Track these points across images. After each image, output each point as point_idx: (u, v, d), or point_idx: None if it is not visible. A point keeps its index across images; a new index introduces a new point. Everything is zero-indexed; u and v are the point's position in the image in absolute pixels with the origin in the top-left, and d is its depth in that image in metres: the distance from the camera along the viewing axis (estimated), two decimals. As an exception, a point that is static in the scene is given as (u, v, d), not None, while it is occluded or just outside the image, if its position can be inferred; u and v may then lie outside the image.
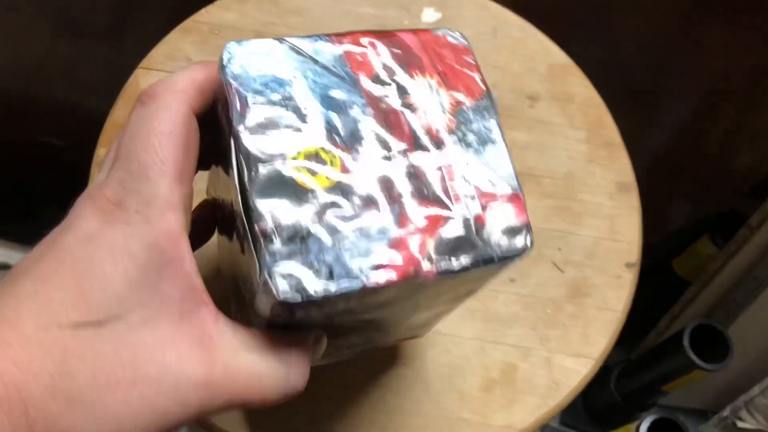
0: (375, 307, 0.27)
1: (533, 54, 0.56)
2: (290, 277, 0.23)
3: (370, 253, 0.24)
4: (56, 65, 0.94)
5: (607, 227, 0.51)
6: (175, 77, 0.25)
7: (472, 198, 0.27)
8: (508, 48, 0.56)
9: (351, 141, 0.26)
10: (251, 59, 0.26)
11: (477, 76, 0.29)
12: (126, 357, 0.21)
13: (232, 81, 0.26)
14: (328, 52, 0.28)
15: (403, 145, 0.27)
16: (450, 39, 0.30)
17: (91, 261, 0.22)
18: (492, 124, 0.29)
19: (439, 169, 0.27)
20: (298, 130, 0.25)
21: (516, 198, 0.28)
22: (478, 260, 0.26)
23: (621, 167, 0.53)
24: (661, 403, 1.13)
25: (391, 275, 0.24)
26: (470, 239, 0.26)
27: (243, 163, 0.24)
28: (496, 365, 0.46)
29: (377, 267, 0.24)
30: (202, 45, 0.54)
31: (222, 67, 0.26)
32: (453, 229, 0.26)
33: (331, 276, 0.24)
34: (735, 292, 1.01)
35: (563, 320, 0.47)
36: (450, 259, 0.26)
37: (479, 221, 0.27)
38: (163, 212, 0.23)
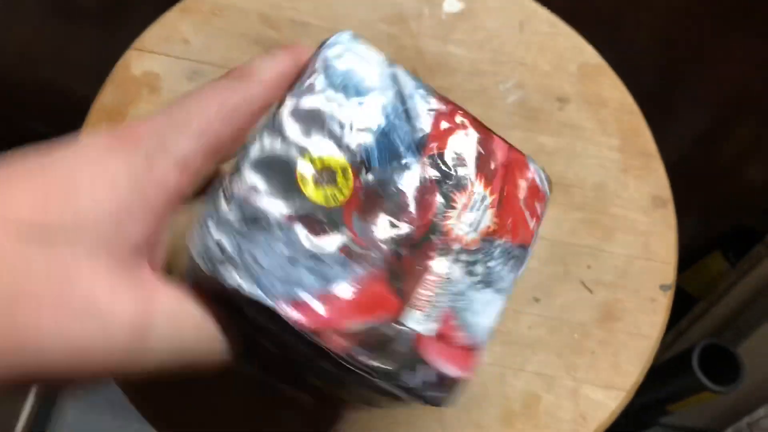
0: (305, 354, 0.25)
1: (563, 52, 0.52)
2: (218, 246, 0.22)
3: (301, 288, 0.22)
4: (44, 47, 0.89)
5: (641, 245, 0.46)
6: (267, 64, 0.25)
7: (434, 320, 0.24)
8: (535, 44, 0.52)
9: (372, 187, 0.25)
10: (351, 56, 0.26)
11: (532, 225, 0.27)
12: (54, 278, 0.19)
13: (320, 60, 0.25)
14: (421, 101, 0.26)
15: (412, 228, 0.25)
16: (536, 176, 0.28)
17: (73, 177, 0.20)
18: (510, 277, 0.27)
19: (426, 269, 0.25)
20: (336, 139, 0.24)
21: (471, 352, 0.25)
22: (390, 375, 0.23)
23: (657, 180, 0.48)
24: (662, 422, 1.09)
25: (301, 319, 0.22)
26: (398, 352, 0.23)
27: (270, 124, 0.24)
28: (518, 395, 0.41)
29: (297, 303, 0.22)
30: (202, 26, 0.49)
31: (323, 44, 0.25)
32: (391, 330, 0.24)
33: (251, 278, 0.22)
34: (746, 312, 0.97)
35: (592, 347, 0.43)
36: (365, 351, 0.23)
37: (419, 346, 0.24)
38: (172, 167, 0.21)
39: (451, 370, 0.24)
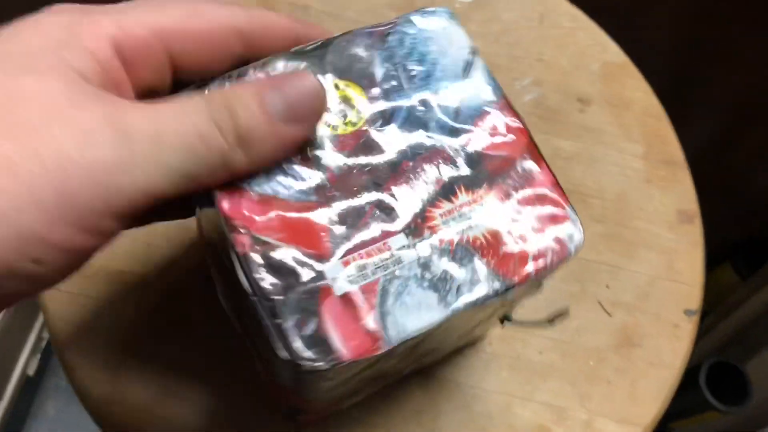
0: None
1: (585, 49, 0.48)
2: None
3: (252, 185, 0.23)
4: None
5: (665, 264, 0.42)
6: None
7: (353, 283, 0.22)
8: (555, 39, 0.47)
9: (376, 139, 0.25)
10: (436, 28, 0.27)
11: (531, 268, 0.24)
12: (13, 99, 0.18)
13: (405, 20, 0.27)
14: (481, 97, 0.26)
15: (392, 195, 0.24)
16: (565, 235, 0.24)
17: (17, 27, 0.20)
18: (466, 300, 0.23)
19: (381, 237, 0.23)
20: (371, 84, 0.25)
21: (372, 341, 0.22)
22: (272, 305, 0.22)
23: (683, 192, 0.44)
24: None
25: (225, 204, 0.23)
26: (296, 290, 0.22)
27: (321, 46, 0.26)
28: (525, 427, 0.37)
29: (235, 194, 0.23)
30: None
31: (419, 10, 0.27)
32: (303, 267, 0.22)
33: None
34: (756, 328, 0.93)
35: (608, 375, 0.39)
36: (263, 267, 0.22)
37: (322, 297, 0.22)
38: (106, 19, 0.21)
39: (338, 342, 0.21)
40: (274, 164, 0.23)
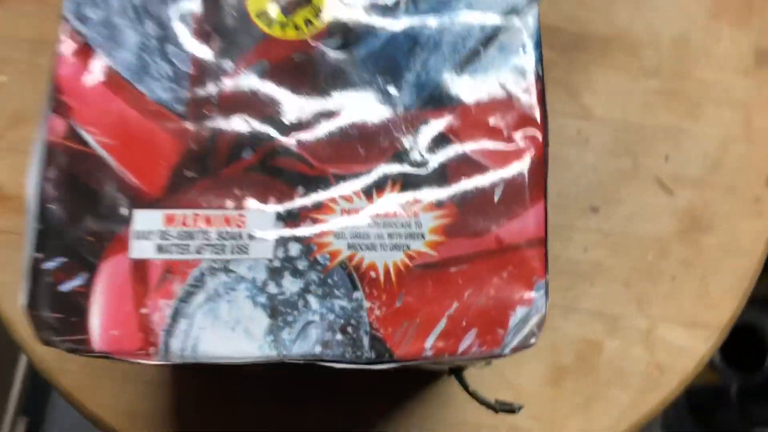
0: None
1: None
2: None
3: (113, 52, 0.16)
4: None
5: (740, 121, 0.33)
6: None
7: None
8: None
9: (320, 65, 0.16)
10: None
11: (423, 349, 0.15)
12: None
13: None
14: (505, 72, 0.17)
15: (287, 148, 0.16)
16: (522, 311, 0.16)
17: None
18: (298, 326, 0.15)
19: (237, 201, 0.16)
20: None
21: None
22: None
23: (762, 25, 0.34)
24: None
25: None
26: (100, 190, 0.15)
27: None
28: (569, 344, 0.30)
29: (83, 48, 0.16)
30: None
31: None
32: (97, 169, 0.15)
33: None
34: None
35: (671, 271, 0.31)
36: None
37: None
38: None
39: (96, 321, 0.14)
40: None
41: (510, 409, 0.28)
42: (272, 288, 0.15)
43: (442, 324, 0.15)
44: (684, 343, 0.30)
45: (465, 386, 0.26)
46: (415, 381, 0.29)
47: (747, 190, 0.32)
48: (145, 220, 0.15)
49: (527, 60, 0.16)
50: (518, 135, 0.16)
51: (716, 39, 0.34)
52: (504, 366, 0.29)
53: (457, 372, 0.24)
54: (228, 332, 0.14)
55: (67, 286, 0.14)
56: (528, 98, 0.16)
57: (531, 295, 0.15)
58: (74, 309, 0.14)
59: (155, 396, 0.28)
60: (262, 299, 0.14)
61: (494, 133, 0.16)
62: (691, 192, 0.32)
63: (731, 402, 0.91)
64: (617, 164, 0.32)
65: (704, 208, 0.32)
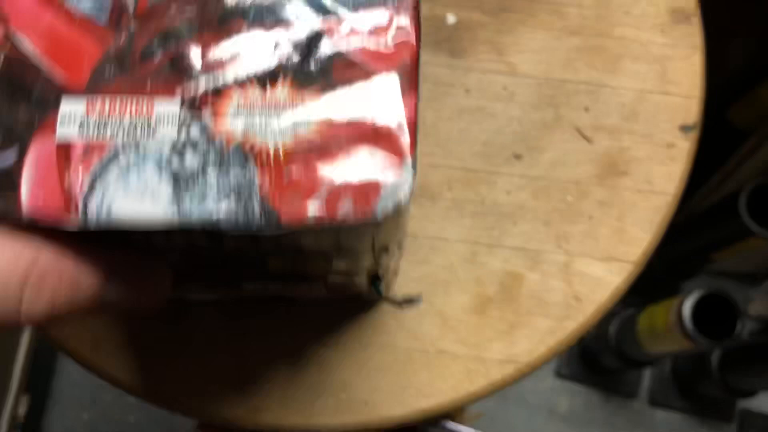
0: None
1: None
2: None
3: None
4: None
5: (656, 75, 0.35)
6: None
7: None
8: None
9: None
10: None
11: (307, 212, 0.18)
12: None
13: None
14: None
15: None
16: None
17: None
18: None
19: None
20: None
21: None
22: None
23: (678, -14, 0.37)
24: (706, 269, 1.01)
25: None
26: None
27: None
28: (493, 277, 0.33)
29: None
30: None
31: None
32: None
33: None
34: (803, 145, 0.85)
35: (589, 210, 0.34)
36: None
37: None
38: None
39: (26, 190, 0.17)
40: None
41: (411, 300, 0.31)
42: (176, 163, 0.18)
43: (322, 193, 0.18)
44: (600, 276, 0.33)
45: (379, 292, 0.28)
46: (351, 311, 0.32)
47: (661, 137, 0.35)
48: (71, 103, 0.18)
49: None
50: (394, 41, 0.19)
51: (635, 0, 0.36)
52: (433, 297, 0.32)
53: (375, 281, 0.27)
54: (137, 198, 0.17)
55: (2, 163, 0.17)
56: (402, 8, 0.19)
57: (400, 170, 0.18)
58: (7, 182, 0.17)
59: (119, 325, 0.32)
60: (167, 173, 0.17)
61: (374, 35, 0.19)
62: (609, 140, 0.35)
63: (712, 372, 0.94)
64: (540, 116, 0.35)
65: (621, 154, 0.35)
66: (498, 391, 0.32)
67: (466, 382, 0.32)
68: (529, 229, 0.33)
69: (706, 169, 0.97)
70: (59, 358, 1.05)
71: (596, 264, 0.33)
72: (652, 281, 1.01)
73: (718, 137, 0.94)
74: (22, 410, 0.91)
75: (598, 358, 1.01)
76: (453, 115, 0.35)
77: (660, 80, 0.35)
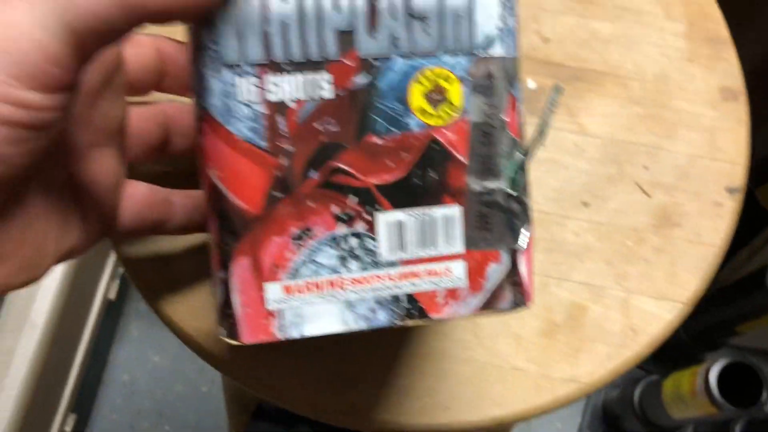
0: None
1: (623, -73, 0.46)
2: None
3: None
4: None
5: (706, 142, 0.41)
6: None
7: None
8: None
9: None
10: None
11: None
12: None
13: None
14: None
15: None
16: None
17: None
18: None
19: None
20: None
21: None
22: None
23: (727, 69, 0.43)
24: (731, 343, 1.04)
25: None
26: None
27: None
28: (561, 306, 0.38)
29: None
30: None
31: None
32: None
33: None
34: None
35: (646, 255, 0.39)
36: None
37: None
38: None
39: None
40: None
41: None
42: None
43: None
44: (654, 312, 0.38)
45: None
46: (438, 328, 0.37)
47: (710, 195, 0.40)
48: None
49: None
50: None
51: (690, 78, 0.42)
52: (510, 319, 0.37)
53: None
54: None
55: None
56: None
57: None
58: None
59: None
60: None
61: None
62: (665, 195, 0.40)
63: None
64: (606, 171, 0.40)
65: (674, 208, 0.40)
66: (562, 406, 0.36)
67: (535, 396, 0.36)
68: (593, 267, 0.38)
69: (734, 245, 1.01)
70: (103, 378, 1.10)
71: (651, 301, 0.38)
72: (677, 350, 1.05)
73: (747, 215, 0.99)
74: (68, 428, 0.95)
75: (620, 421, 1.03)
76: (532, 164, 0.40)
77: (710, 147, 0.41)
